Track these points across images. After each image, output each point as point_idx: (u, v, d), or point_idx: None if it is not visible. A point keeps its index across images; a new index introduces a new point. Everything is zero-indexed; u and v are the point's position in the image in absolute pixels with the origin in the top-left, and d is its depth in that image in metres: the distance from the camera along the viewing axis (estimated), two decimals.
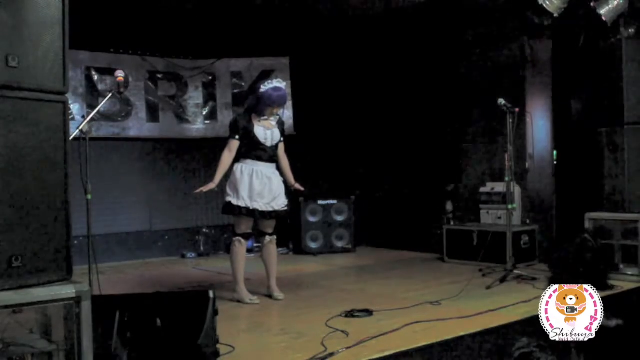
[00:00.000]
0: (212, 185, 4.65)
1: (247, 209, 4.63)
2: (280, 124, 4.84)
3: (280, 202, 4.76)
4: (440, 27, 6.93)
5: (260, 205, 4.65)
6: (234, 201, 4.64)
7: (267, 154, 4.72)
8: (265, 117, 4.72)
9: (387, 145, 7.85)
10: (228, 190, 4.72)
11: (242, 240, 4.73)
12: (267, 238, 4.84)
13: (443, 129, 7.25)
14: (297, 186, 4.97)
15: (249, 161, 4.69)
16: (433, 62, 7.22)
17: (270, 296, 4.81)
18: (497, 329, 3.75)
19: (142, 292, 3.83)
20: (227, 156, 4.69)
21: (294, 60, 7.84)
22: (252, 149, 4.69)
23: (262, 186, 4.65)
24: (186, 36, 7.20)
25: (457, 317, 3.94)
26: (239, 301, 4.66)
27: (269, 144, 4.71)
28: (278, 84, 4.72)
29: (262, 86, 4.70)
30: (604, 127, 5.89)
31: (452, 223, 6.79)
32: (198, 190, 4.71)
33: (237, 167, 4.71)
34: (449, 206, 7.11)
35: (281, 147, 4.86)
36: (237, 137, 4.67)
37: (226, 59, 7.79)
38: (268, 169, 4.73)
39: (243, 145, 4.70)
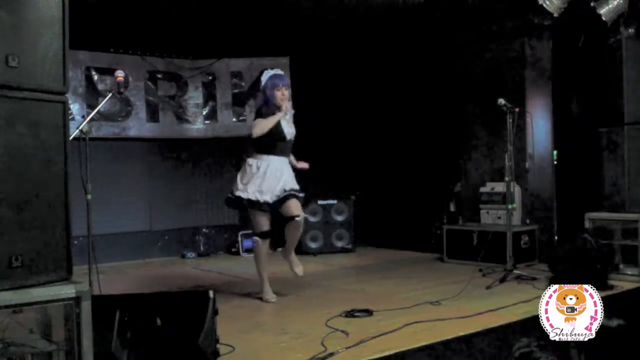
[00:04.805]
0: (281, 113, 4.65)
1: (250, 200, 4.60)
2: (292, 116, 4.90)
3: (290, 185, 4.72)
4: (440, 26, 6.93)
5: (271, 197, 4.62)
6: (244, 195, 4.63)
7: (284, 148, 4.76)
8: (281, 111, 4.71)
9: (387, 145, 7.84)
10: (239, 183, 4.69)
11: (261, 241, 4.72)
12: (297, 219, 4.68)
13: (443, 129, 7.25)
14: (301, 164, 4.94)
15: (264, 156, 4.68)
16: (433, 62, 7.22)
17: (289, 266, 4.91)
18: (497, 329, 3.75)
19: (142, 292, 3.83)
20: (262, 124, 4.63)
21: (294, 60, 7.83)
22: (272, 142, 4.68)
23: (274, 179, 4.64)
24: (186, 36, 7.19)
25: (457, 317, 3.94)
26: (260, 298, 4.75)
27: (288, 137, 4.77)
28: (276, 71, 4.85)
29: (262, 79, 4.82)
30: (604, 127, 5.90)
31: (459, 222, 6.82)
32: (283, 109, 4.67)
33: (252, 162, 4.70)
34: (453, 207, 7.11)
35: None
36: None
37: (226, 59, 7.80)
38: (281, 162, 4.74)
39: (261, 140, 4.68)
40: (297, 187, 4.78)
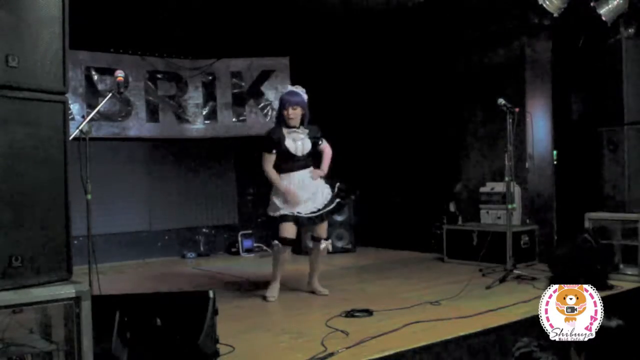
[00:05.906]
0: (283, 185, 4.71)
1: (292, 215, 4.67)
2: (313, 131, 4.93)
3: (320, 202, 4.80)
4: (440, 26, 6.93)
5: (304, 210, 4.71)
6: (284, 211, 4.70)
7: (299, 163, 4.83)
8: (293, 127, 4.80)
9: (387, 145, 7.84)
10: (277, 202, 4.75)
11: (281, 246, 4.74)
12: (323, 243, 4.92)
13: (443, 129, 7.25)
14: (318, 172, 4.97)
15: (283, 175, 4.77)
16: (433, 62, 7.22)
17: (313, 292, 4.96)
18: (497, 329, 3.75)
19: (142, 292, 3.83)
20: (270, 167, 4.77)
21: (294, 60, 7.83)
22: (285, 161, 4.78)
23: (306, 193, 4.74)
24: (186, 36, 7.19)
25: (457, 317, 3.94)
26: (264, 297, 4.78)
27: (299, 153, 4.82)
28: (293, 88, 5.00)
29: (282, 91, 5.11)
30: (604, 126, 5.88)
31: (459, 222, 6.83)
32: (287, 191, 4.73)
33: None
34: (452, 207, 7.11)
35: (324, 145, 5.04)
36: (273, 151, 4.77)
37: (226, 59, 7.79)
38: (302, 176, 4.82)
39: (277, 159, 4.79)
40: (328, 193, 4.86)
